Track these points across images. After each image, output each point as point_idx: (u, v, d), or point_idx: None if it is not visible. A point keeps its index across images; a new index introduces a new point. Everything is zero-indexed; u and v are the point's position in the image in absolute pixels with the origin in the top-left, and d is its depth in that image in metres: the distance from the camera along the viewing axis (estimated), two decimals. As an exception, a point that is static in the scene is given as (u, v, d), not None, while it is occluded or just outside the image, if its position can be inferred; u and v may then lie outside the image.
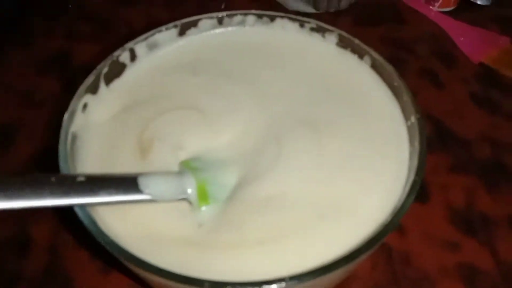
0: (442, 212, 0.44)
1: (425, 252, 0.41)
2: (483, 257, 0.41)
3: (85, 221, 0.28)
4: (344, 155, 0.34)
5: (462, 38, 0.61)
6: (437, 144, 0.49)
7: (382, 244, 0.41)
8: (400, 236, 0.42)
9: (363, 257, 0.28)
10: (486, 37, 0.61)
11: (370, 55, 0.39)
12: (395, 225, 0.29)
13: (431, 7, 0.65)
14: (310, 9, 0.64)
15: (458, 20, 0.64)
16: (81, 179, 0.28)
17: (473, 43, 0.61)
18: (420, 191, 0.44)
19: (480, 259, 0.41)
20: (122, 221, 0.30)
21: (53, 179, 0.27)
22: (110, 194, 0.28)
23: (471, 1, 0.66)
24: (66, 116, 0.33)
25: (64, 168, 0.31)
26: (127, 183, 0.29)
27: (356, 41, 0.39)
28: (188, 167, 0.32)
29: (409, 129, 0.35)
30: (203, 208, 0.31)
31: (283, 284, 0.25)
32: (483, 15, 0.65)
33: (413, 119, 0.34)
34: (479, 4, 0.66)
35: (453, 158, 0.48)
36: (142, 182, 0.29)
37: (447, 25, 0.63)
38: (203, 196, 0.31)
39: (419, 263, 0.40)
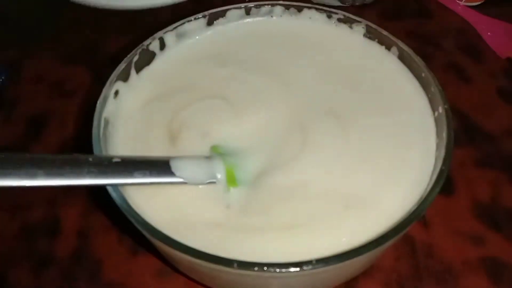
0: (467, 206, 0.43)
1: (449, 245, 0.41)
2: (508, 252, 0.40)
3: (120, 204, 0.29)
4: (370, 146, 0.34)
5: (489, 33, 0.61)
6: (464, 138, 0.49)
7: (406, 235, 0.41)
8: (424, 228, 0.42)
9: (389, 243, 0.28)
10: (515, 32, 0.60)
11: (398, 46, 0.39)
12: (421, 214, 0.29)
13: (458, 1, 0.65)
14: (336, 2, 0.64)
15: (486, 15, 0.63)
16: (117, 160, 0.29)
17: (500, 38, 0.60)
18: (445, 184, 0.44)
19: (504, 254, 0.40)
20: (152, 203, 0.31)
21: (90, 159, 0.28)
22: (144, 175, 0.29)
23: (500, -4, 0.65)
24: (99, 101, 0.35)
25: (96, 152, 0.32)
26: (160, 165, 0.30)
27: (384, 32, 0.40)
28: (216, 152, 0.33)
29: (437, 120, 0.35)
30: (231, 190, 0.32)
31: (309, 266, 0.26)
32: (511, 10, 0.64)
33: (440, 109, 0.34)
34: (507, -1, 0.65)
35: (479, 152, 0.48)
36: (174, 165, 0.30)
37: (474, 20, 0.62)
38: (231, 178, 0.32)
39: (443, 256, 0.40)
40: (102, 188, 0.29)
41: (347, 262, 0.27)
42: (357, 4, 0.64)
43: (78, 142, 0.49)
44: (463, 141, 0.49)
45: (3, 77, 0.55)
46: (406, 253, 0.40)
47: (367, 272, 0.39)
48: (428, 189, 0.30)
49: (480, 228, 0.42)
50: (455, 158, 0.46)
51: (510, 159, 0.47)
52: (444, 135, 0.32)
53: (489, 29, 0.61)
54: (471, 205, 0.43)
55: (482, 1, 0.64)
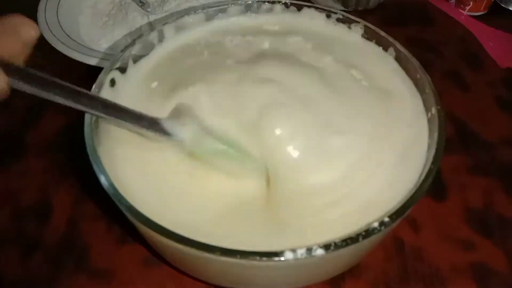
0: (459, 212, 0.43)
1: (439, 250, 0.41)
2: (497, 258, 0.40)
3: (108, 187, 0.29)
4: (363, 147, 0.34)
5: (491, 43, 0.61)
6: (459, 145, 0.49)
7: (395, 238, 0.41)
8: (415, 232, 0.42)
9: (373, 238, 0.28)
10: (516, 43, 0.61)
11: (395, 47, 0.39)
12: (406, 211, 0.28)
13: (461, 10, 0.65)
14: (338, 7, 0.64)
15: (488, 25, 0.63)
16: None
17: (502, 48, 0.60)
18: (438, 189, 0.44)
19: (493, 260, 0.40)
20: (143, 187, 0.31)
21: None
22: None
23: (503, 7, 0.65)
24: (93, 87, 0.35)
25: (88, 137, 0.32)
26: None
27: (382, 33, 0.40)
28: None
29: (429, 121, 0.35)
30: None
31: (292, 255, 0.26)
32: (514, 21, 0.64)
33: (433, 110, 0.34)
34: (510, 10, 0.65)
35: (474, 159, 0.48)
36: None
37: (477, 29, 0.63)
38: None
39: (432, 260, 0.40)
40: (93, 176, 0.29)
41: (332, 254, 0.27)
42: (360, 9, 0.64)
43: (73, 129, 0.49)
44: (459, 148, 0.49)
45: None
46: (395, 255, 0.40)
47: (354, 272, 0.38)
48: (416, 187, 0.30)
49: (470, 233, 0.42)
50: (449, 164, 0.46)
51: (505, 167, 0.47)
52: (435, 135, 0.32)
53: (491, 39, 0.61)
54: (462, 211, 0.43)
55: (485, 11, 0.65)
